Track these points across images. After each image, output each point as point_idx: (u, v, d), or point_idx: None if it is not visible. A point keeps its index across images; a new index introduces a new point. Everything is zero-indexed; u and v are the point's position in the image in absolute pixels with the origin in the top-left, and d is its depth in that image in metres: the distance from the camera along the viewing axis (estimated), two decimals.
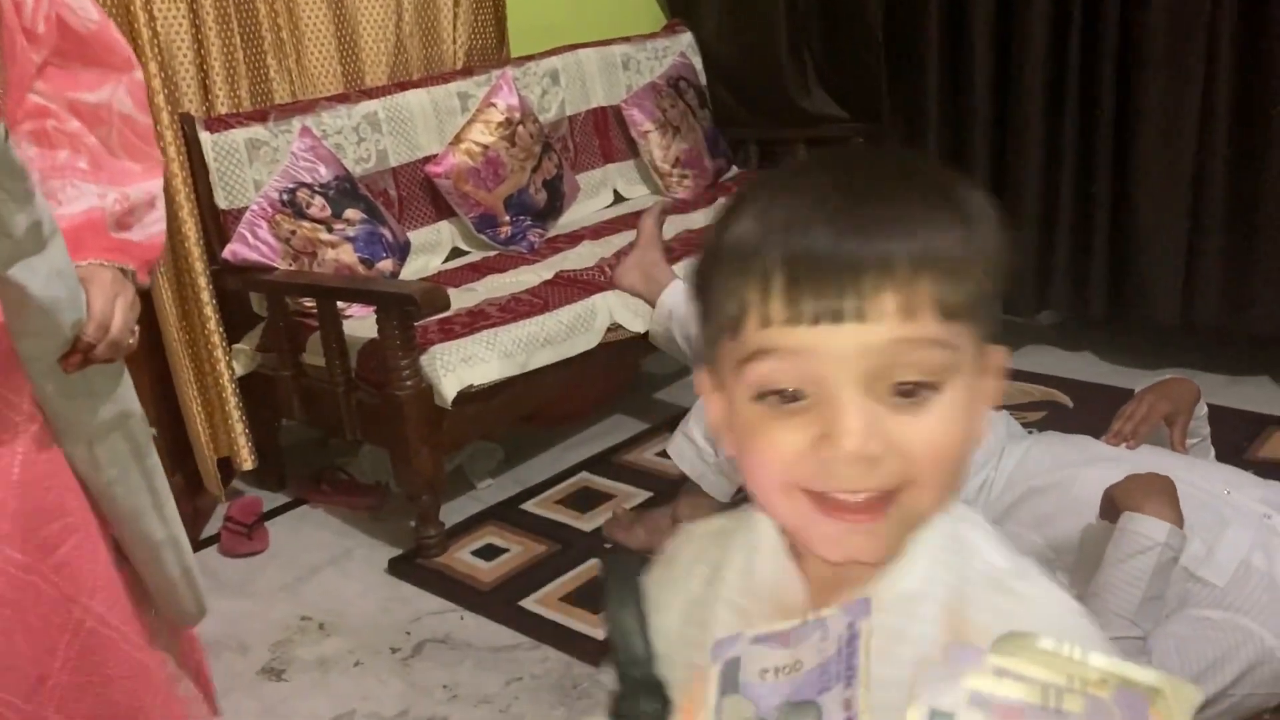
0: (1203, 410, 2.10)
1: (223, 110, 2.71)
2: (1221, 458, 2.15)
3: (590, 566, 2.33)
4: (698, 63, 3.70)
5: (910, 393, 0.62)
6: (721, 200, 3.33)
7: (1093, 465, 1.89)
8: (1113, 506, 1.71)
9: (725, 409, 0.69)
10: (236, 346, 2.70)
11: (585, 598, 2.22)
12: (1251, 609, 1.65)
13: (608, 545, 2.39)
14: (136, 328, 1.22)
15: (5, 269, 1.02)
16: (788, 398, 0.63)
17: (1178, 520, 1.64)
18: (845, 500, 0.63)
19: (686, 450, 2.26)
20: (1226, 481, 1.88)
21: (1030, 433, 2.16)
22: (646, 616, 0.76)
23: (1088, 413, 2.55)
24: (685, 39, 3.70)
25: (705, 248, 0.68)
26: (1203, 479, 1.84)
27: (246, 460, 2.70)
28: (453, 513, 2.56)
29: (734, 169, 3.67)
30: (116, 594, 1.25)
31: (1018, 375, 3.02)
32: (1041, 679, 0.49)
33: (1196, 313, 2.94)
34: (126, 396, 1.25)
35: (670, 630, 0.77)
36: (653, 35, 3.65)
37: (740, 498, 2.22)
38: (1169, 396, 2.06)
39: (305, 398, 2.61)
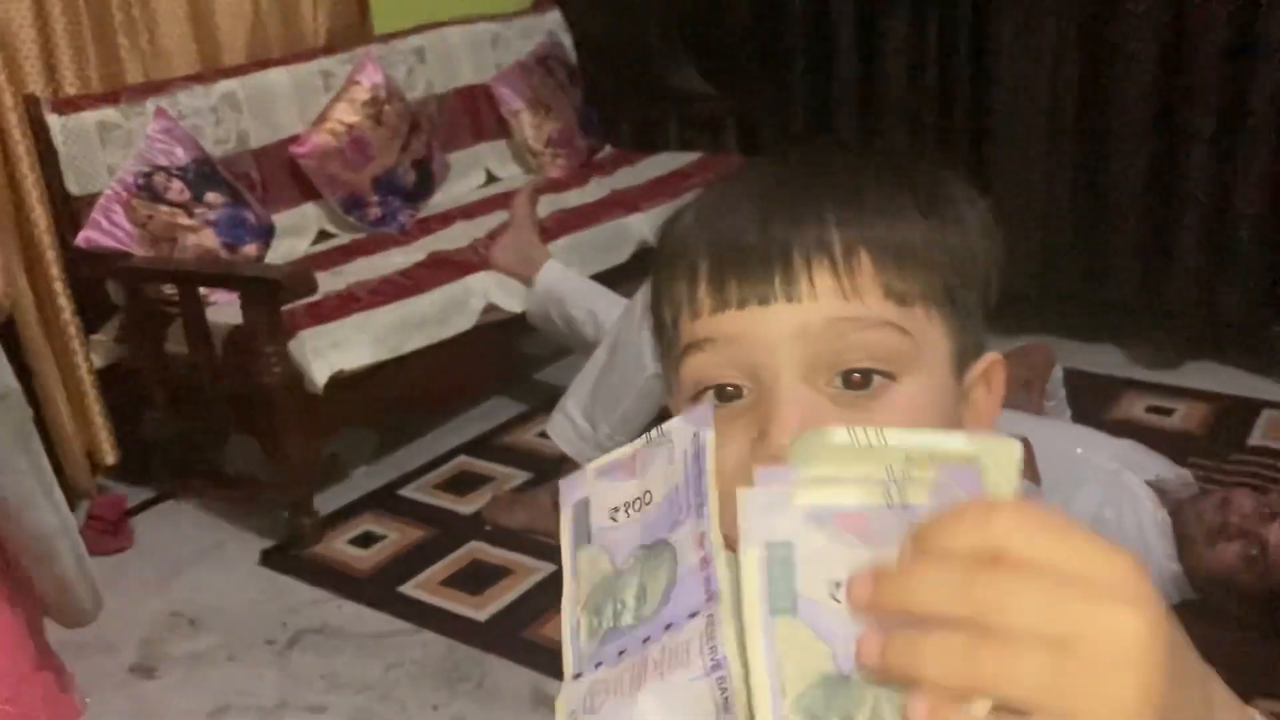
0: (1058, 374, 2.20)
1: (71, 91, 2.59)
2: (1078, 419, 2.25)
3: (471, 550, 2.31)
4: (567, 41, 3.68)
5: (862, 382, 0.55)
6: (595, 179, 3.35)
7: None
8: None
9: None
10: (95, 338, 2.59)
11: (466, 580, 2.21)
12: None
13: (487, 528, 2.38)
14: (11, 294, 1.15)
15: None
16: (726, 396, 0.57)
17: (1034, 478, 1.71)
18: None
19: (565, 429, 2.26)
20: (1080, 440, 1.97)
21: None
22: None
23: None
24: (553, 17, 3.67)
25: (653, 261, 0.64)
26: (1058, 438, 1.92)
27: (109, 455, 2.61)
28: (328, 501, 2.52)
29: (608, 147, 3.67)
30: None
31: None
32: (865, 476, 0.42)
33: (1054, 281, 3.06)
34: (3, 371, 1.19)
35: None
36: (520, 13, 3.62)
37: None
38: (1025, 362, 2.14)
39: (169, 389, 2.52)
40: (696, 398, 0.58)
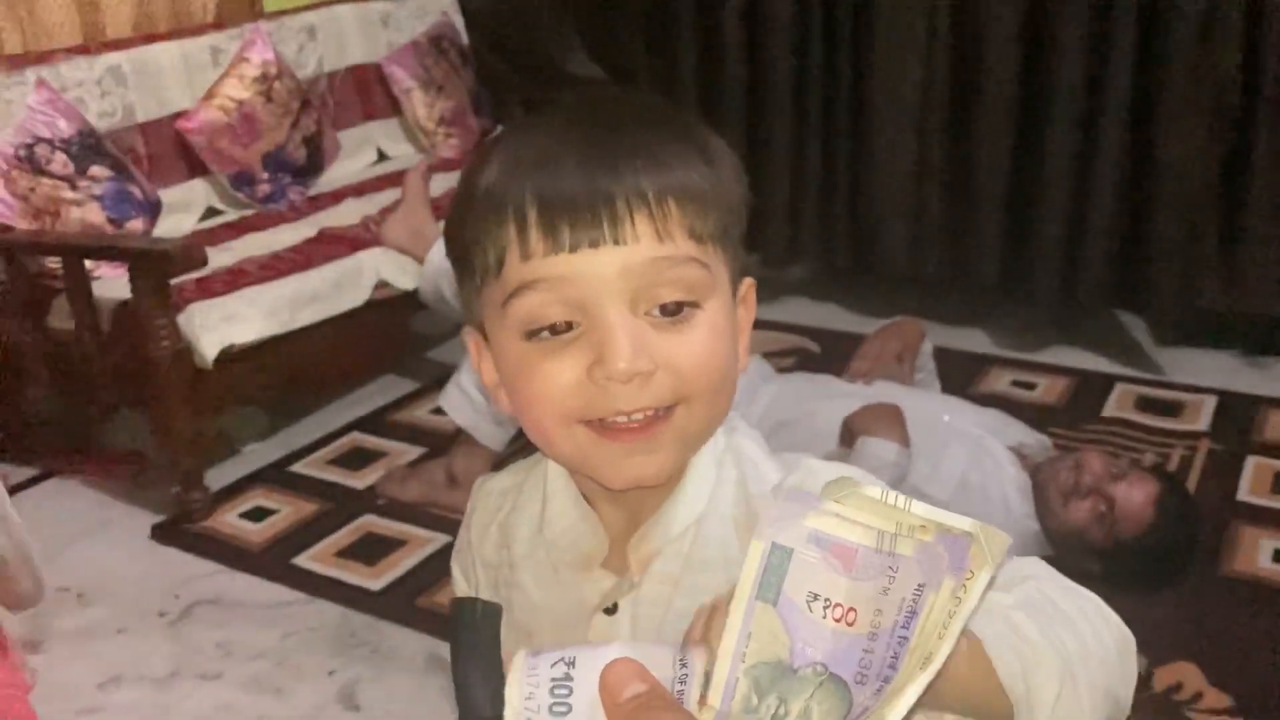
0: (928, 348, 2.33)
1: None
2: (947, 392, 2.39)
3: (364, 523, 2.34)
4: (459, 21, 3.70)
5: (674, 311, 0.64)
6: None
7: (833, 399, 2.07)
8: (850, 433, 1.89)
9: (494, 365, 0.70)
10: None
11: (360, 551, 2.24)
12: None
13: (380, 502, 2.41)
14: None
15: None
16: (558, 330, 0.64)
17: (905, 441, 1.83)
18: (623, 423, 0.65)
19: (459, 401, 2.30)
20: (948, 409, 2.10)
21: (782, 375, 2.33)
22: (497, 676, 0.72)
23: (833, 357, 2.75)
24: None
25: (457, 203, 0.69)
26: (927, 407, 2.05)
27: None
28: (219, 476, 2.51)
29: (499, 128, 3.70)
30: None
31: (770, 325, 3.21)
32: (873, 524, 0.51)
33: (924, 266, 3.21)
34: None
35: (483, 593, 0.79)
36: None
37: (516, 447, 2.29)
38: (898, 336, 2.27)
39: (52, 364, 2.48)
40: (531, 336, 0.65)
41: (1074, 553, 1.89)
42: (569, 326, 0.64)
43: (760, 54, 3.32)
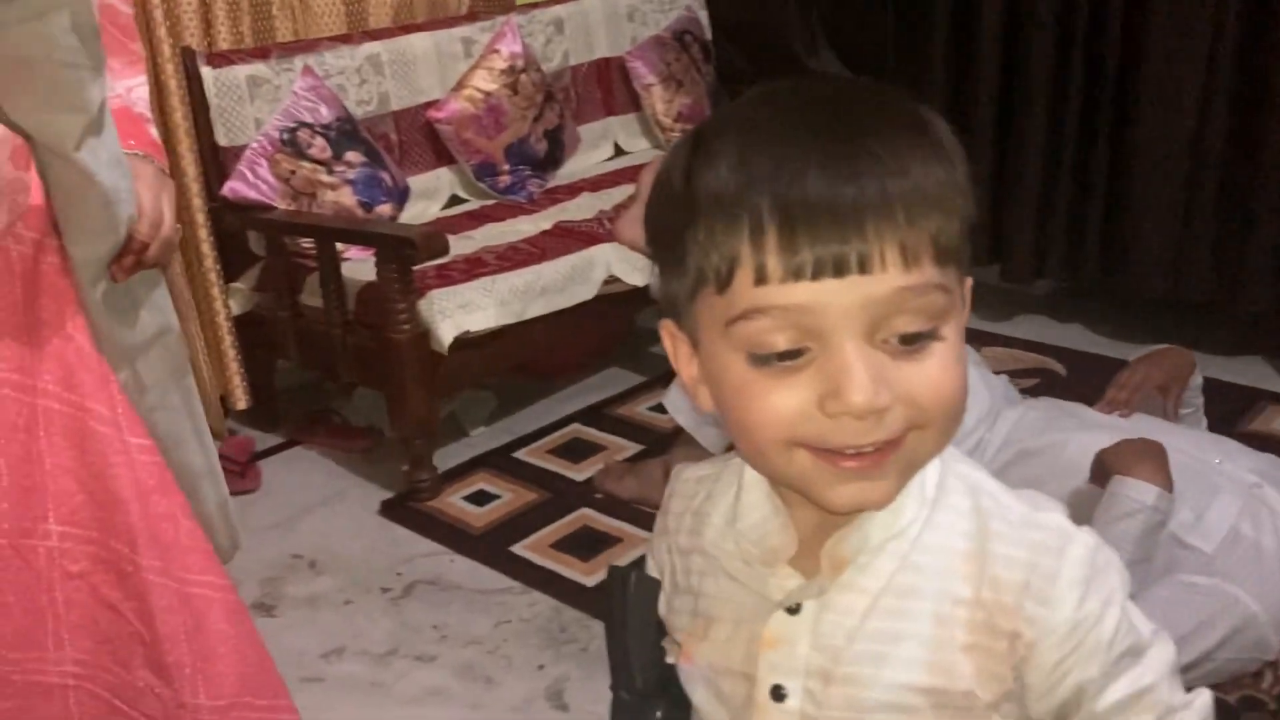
0: (1198, 381, 2.12)
1: (224, 46, 2.68)
2: (1213, 430, 2.17)
3: (581, 515, 2.34)
4: (703, 17, 3.67)
5: (912, 339, 0.60)
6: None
7: (1086, 430, 1.90)
8: (1103, 470, 1.73)
9: (699, 364, 0.66)
10: (233, 285, 2.69)
11: (575, 545, 2.24)
12: (1237, 575, 1.67)
13: (598, 496, 2.41)
14: (179, 227, 1.17)
15: (76, 149, 0.96)
16: (786, 356, 0.60)
17: (1167, 485, 1.66)
18: (851, 451, 0.61)
19: (682, 401, 2.26)
20: (1218, 451, 1.89)
21: (1026, 399, 2.17)
22: (651, 646, 0.75)
23: (1080, 382, 2.56)
24: None
25: (667, 196, 0.64)
26: (1194, 447, 1.85)
27: (241, 399, 2.71)
28: (446, 458, 2.57)
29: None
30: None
31: (1011, 342, 3.03)
32: None
33: (1187, 288, 2.94)
34: (165, 307, 1.21)
35: (667, 579, 0.79)
36: None
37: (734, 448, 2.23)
38: (1164, 366, 2.07)
39: (302, 339, 2.60)
40: (758, 361, 0.61)
41: None
42: (799, 352, 0.60)
43: (1017, 53, 3.12)
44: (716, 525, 0.74)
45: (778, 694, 0.69)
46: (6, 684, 1.10)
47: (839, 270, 0.58)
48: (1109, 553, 0.67)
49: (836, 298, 0.58)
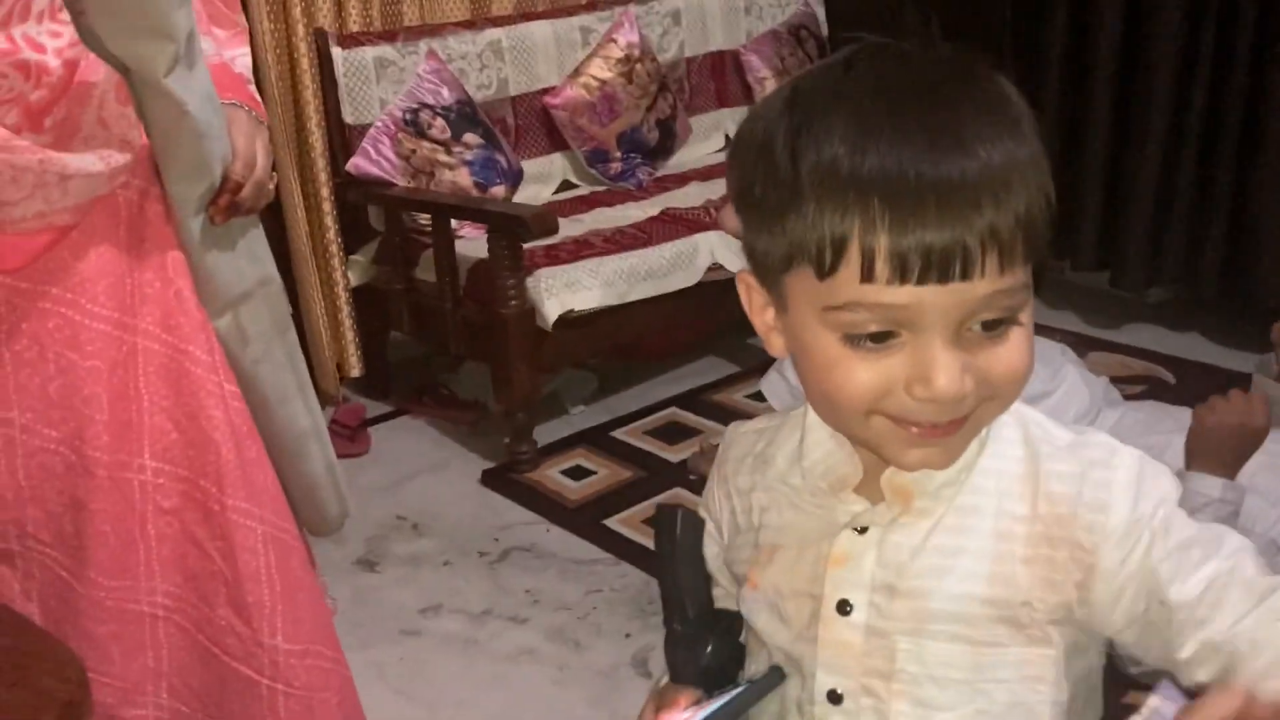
0: None
1: (354, 28, 2.80)
2: None
3: (674, 495, 2.39)
4: (820, 13, 3.68)
5: (993, 326, 0.65)
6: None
7: (1186, 433, 1.87)
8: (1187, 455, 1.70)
9: (781, 323, 0.70)
10: (353, 258, 2.81)
11: None
12: None
13: (692, 477, 2.45)
14: (275, 174, 1.20)
15: (166, 74, 1.00)
16: (878, 338, 0.64)
17: (1230, 473, 1.61)
18: (928, 426, 0.66)
19: (779, 387, 2.29)
20: None
21: (1128, 403, 2.15)
22: (699, 578, 0.81)
23: (1188, 391, 2.51)
24: None
25: (768, 168, 0.65)
26: None
27: (354, 368, 2.83)
28: (546, 433, 2.65)
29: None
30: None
31: (1119, 348, 2.98)
32: None
33: None
34: (266, 258, 1.25)
35: (725, 525, 0.83)
36: None
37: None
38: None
39: (414, 312, 2.71)
40: (851, 341, 0.65)
41: None
42: (890, 335, 0.64)
43: (1138, 52, 3.06)
44: (780, 466, 0.79)
45: (843, 608, 0.73)
46: (103, 609, 1.15)
47: (943, 277, 0.61)
48: (1157, 464, 0.70)
49: (936, 299, 0.62)
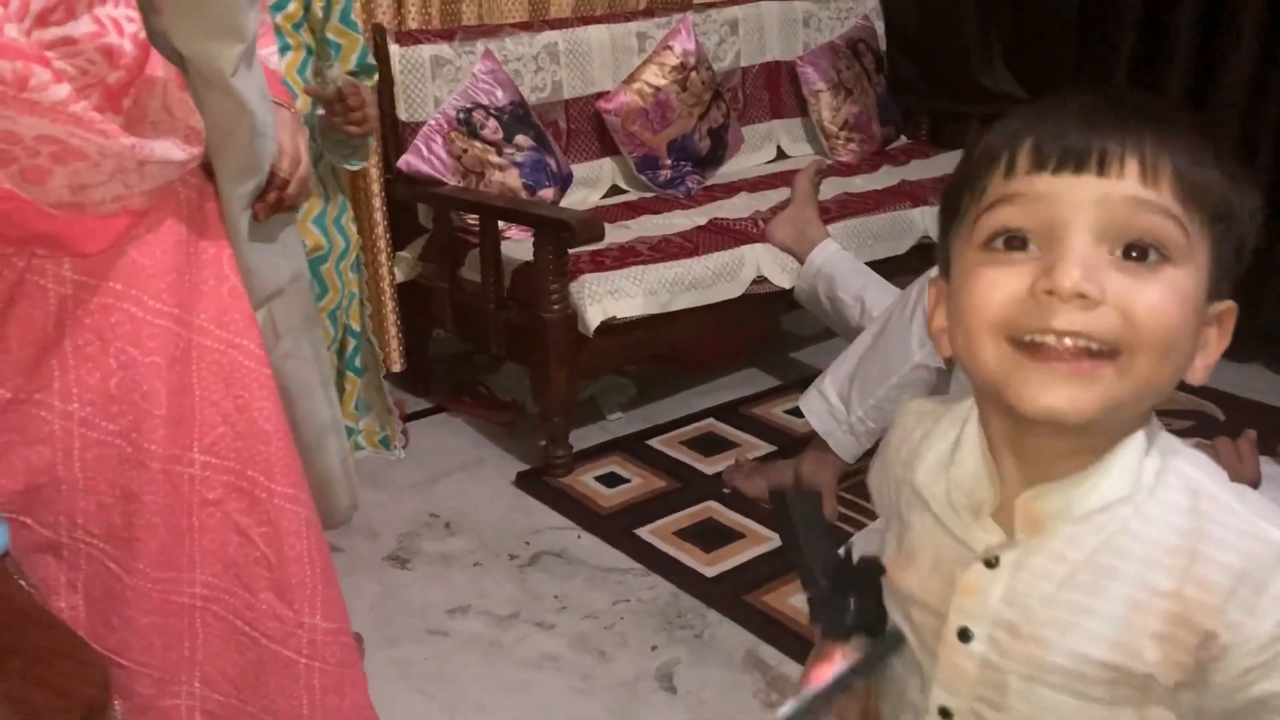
0: None
1: (413, 25, 2.82)
2: None
3: (707, 508, 2.38)
4: (880, 27, 3.66)
5: (1143, 255, 0.63)
6: (886, 168, 3.33)
7: None
8: None
9: (946, 307, 0.72)
10: (399, 254, 2.83)
11: (698, 535, 2.28)
12: None
13: (725, 491, 2.45)
14: (312, 170, 1.21)
15: (232, 74, 1.02)
16: (1015, 244, 0.65)
17: None
18: (1052, 345, 0.63)
19: (819, 406, 2.28)
20: None
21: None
22: (822, 547, 0.82)
23: (1236, 430, 2.46)
24: (870, 2, 3.66)
25: (957, 168, 0.72)
26: None
27: (396, 363, 2.85)
28: (581, 439, 2.65)
29: (902, 138, 3.63)
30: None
31: None
32: None
33: None
34: (299, 254, 1.27)
35: (887, 506, 0.85)
36: None
37: (865, 460, 2.24)
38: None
39: (458, 310, 2.72)
40: (987, 245, 0.66)
41: None
42: (1026, 245, 0.65)
43: (1209, 77, 3.00)
44: (929, 465, 0.78)
45: (964, 635, 0.73)
46: (148, 600, 1.17)
47: (1079, 167, 0.63)
48: None
49: (1073, 190, 0.63)
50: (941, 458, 0.77)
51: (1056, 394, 0.64)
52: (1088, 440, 0.68)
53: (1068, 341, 0.63)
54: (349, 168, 1.92)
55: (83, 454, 1.12)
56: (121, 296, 1.11)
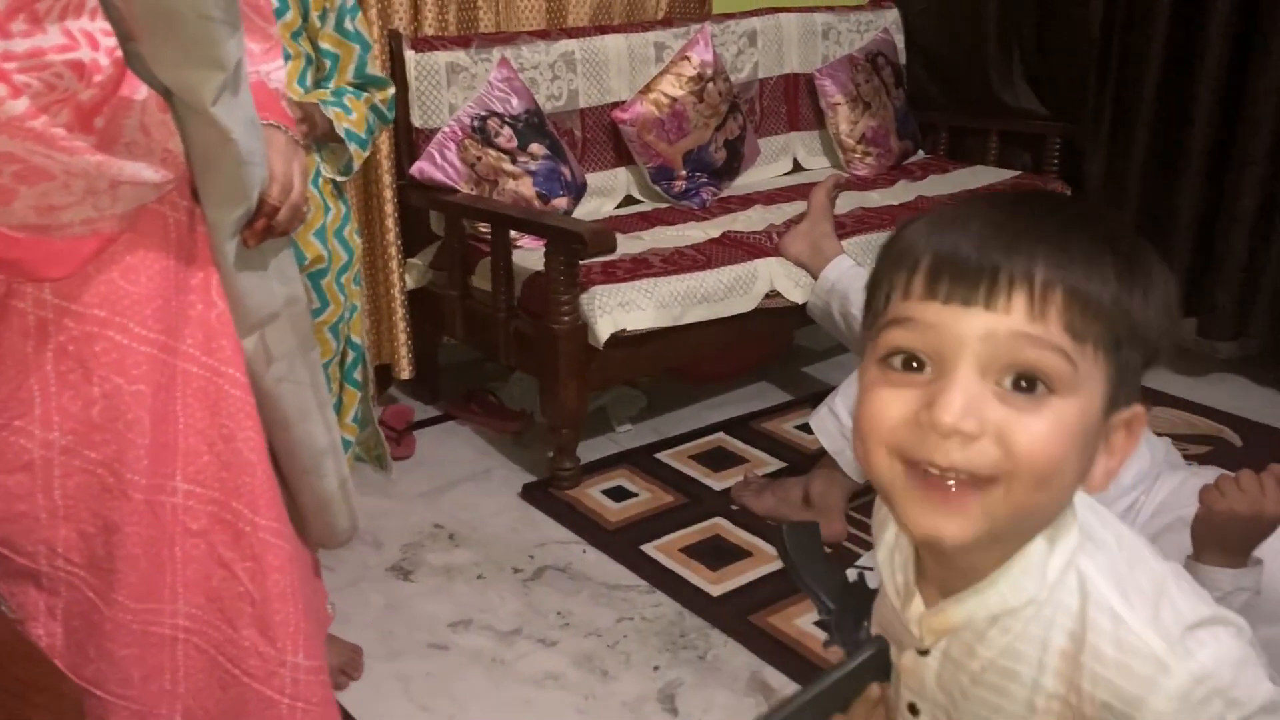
0: None
1: (429, 32, 2.80)
2: None
3: (715, 524, 2.36)
4: (899, 40, 3.63)
5: (1030, 386, 0.64)
6: (903, 182, 3.30)
7: None
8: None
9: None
10: (410, 261, 2.81)
11: (704, 553, 2.25)
12: None
13: (734, 507, 2.42)
14: (311, 193, 1.19)
15: (213, 104, 0.99)
16: (908, 364, 0.67)
17: (1236, 561, 1.52)
18: (936, 477, 0.65)
19: (829, 424, 2.26)
20: None
21: (1191, 465, 2.07)
22: (824, 574, 0.86)
23: (1255, 457, 2.42)
24: (891, 15, 3.63)
25: (877, 262, 0.74)
26: None
27: (405, 370, 2.83)
28: (590, 450, 2.63)
29: (920, 153, 3.60)
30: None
31: (1188, 406, 2.89)
32: None
33: None
34: (294, 277, 1.24)
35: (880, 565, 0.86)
36: (858, 7, 3.60)
37: None
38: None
39: (468, 319, 2.70)
40: (884, 362, 0.69)
41: None
42: (921, 367, 0.67)
43: (1234, 102, 2.97)
44: (886, 545, 0.81)
45: (913, 709, 0.79)
46: (127, 632, 1.14)
47: (967, 299, 0.65)
48: (1221, 680, 0.66)
49: (960, 323, 0.65)
50: (890, 544, 0.80)
51: (935, 521, 0.67)
52: (983, 553, 0.71)
53: (950, 477, 0.65)
54: (341, 179, 1.88)
55: (64, 482, 1.10)
56: (105, 324, 1.09)
